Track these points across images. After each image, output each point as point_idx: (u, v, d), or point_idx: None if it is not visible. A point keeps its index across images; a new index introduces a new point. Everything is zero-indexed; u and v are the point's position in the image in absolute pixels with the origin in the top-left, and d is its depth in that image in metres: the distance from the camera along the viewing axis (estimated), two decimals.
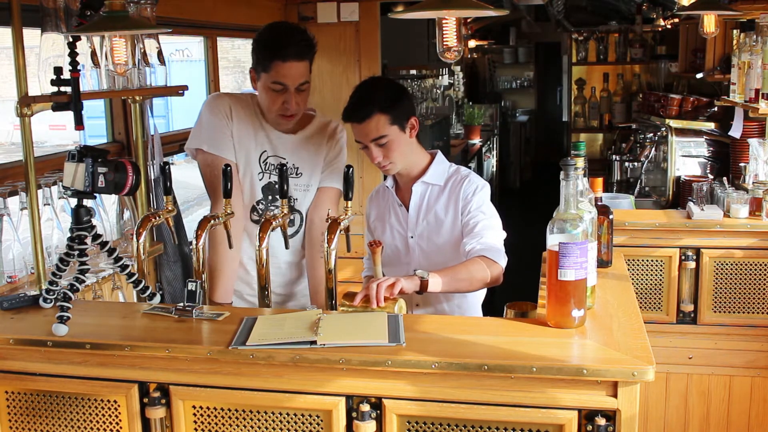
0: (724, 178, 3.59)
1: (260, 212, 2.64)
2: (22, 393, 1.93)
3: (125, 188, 1.99)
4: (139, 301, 2.18)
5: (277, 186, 2.47)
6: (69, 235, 2.02)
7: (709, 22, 3.47)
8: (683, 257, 3.18)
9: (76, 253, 2.01)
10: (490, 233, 2.42)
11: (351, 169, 2.27)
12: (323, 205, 2.65)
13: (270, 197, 2.65)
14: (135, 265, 2.19)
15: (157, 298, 2.12)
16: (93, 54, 2.41)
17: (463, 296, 2.55)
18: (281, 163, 2.26)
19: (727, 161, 4.51)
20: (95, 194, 1.99)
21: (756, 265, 3.16)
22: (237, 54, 14.27)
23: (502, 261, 2.39)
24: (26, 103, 2.19)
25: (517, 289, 3.27)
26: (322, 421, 1.78)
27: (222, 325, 1.94)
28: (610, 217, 2.36)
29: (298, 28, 2.57)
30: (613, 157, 6.06)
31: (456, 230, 2.49)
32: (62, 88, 2.16)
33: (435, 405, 1.72)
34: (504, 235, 2.50)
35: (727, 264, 3.17)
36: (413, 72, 6.59)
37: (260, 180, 2.63)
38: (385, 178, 2.65)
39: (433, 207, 2.53)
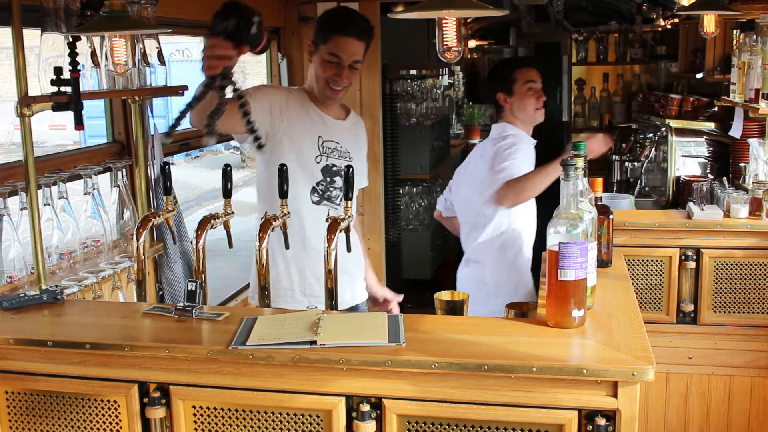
0: (724, 178, 3.59)
1: (321, 192, 2.71)
2: (22, 393, 1.93)
3: (260, 45, 2.11)
4: (139, 301, 2.18)
5: (334, 168, 2.70)
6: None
7: (709, 22, 3.46)
8: (683, 257, 3.18)
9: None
10: None
11: (351, 169, 2.27)
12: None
13: (329, 178, 2.72)
14: (135, 265, 2.19)
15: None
16: (93, 54, 2.41)
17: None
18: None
19: (727, 161, 4.50)
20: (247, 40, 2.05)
21: (756, 265, 3.16)
22: None
23: None
24: (26, 103, 2.19)
25: None
26: (322, 421, 1.78)
27: (222, 325, 1.94)
28: (610, 217, 2.36)
29: (362, 15, 2.75)
30: (613, 157, 6.05)
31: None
32: (62, 88, 2.16)
33: (435, 405, 1.72)
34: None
35: (727, 264, 3.17)
36: (413, 72, 6.56)
37: (318, 162, 2.70)
38: None
39: None
